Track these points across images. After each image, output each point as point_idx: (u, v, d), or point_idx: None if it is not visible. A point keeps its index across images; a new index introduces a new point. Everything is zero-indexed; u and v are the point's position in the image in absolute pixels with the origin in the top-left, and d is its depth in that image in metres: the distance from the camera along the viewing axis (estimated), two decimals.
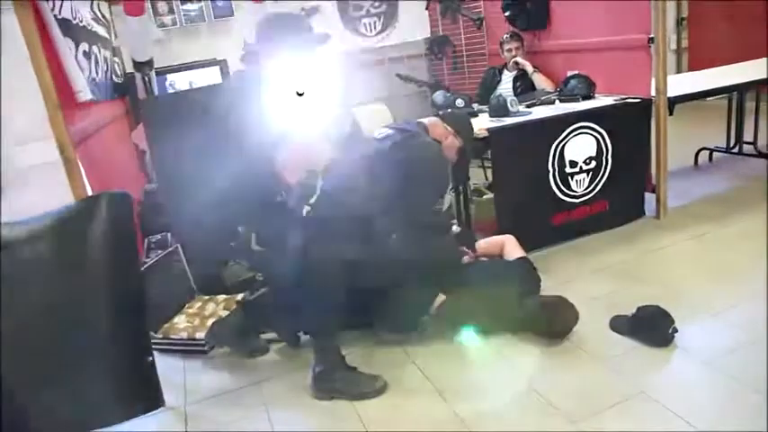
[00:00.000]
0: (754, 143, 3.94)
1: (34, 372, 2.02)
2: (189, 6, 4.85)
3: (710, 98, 3.71)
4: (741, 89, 3.72)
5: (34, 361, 2.02)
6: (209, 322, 2.60)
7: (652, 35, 3.00)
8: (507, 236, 2.68)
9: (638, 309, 2.18)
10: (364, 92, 5.58)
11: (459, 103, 3.36)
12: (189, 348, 2.57)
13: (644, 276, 2.63)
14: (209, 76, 4.58)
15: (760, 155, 3.83)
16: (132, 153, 3.81)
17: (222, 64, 4.70)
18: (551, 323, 2.19)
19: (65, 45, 2.24)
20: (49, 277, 2.07)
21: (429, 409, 1.93)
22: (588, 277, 2.69)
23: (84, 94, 2.29)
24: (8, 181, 4.70)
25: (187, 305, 2.85)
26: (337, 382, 2.04)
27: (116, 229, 2.14)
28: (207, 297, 2.91)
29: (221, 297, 2.89)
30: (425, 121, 2.55)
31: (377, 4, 5.14)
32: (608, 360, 2.06)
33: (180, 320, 2.71)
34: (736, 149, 4.03)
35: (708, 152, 4.22)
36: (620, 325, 2.21)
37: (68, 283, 2.08)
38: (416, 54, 5.65)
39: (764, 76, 3.52)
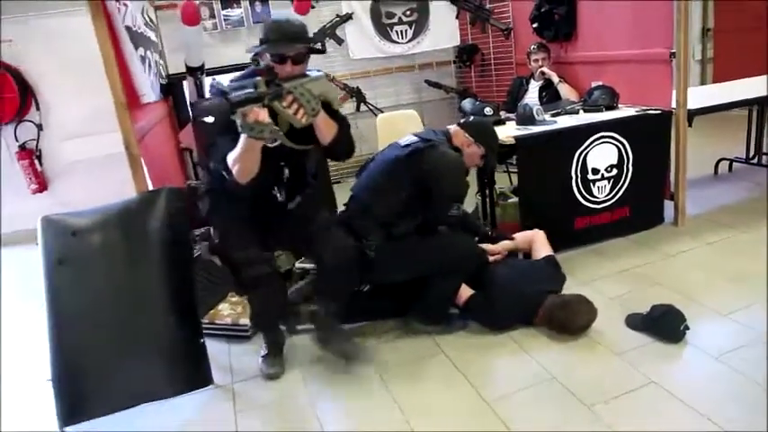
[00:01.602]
0: None
1: (100, 346, 2.24)
2: (229, 12, 5.10)
3: (732, 110, 3.84)
4: (761, 102, 3.82)
5: (99, 336, 2.24)
6: None
7: (674, 50, 3.15)
8: (537, 231, 2.85)
9: (653, 307, 2.34)
10: (395, 97, 5.82)
11: (488, 111, 3.52)
12: (233, 333, 2.79)
13: (660, 279, 2.78)
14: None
15: None
16: (174, 152, 4.06)
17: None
18: (571, 319, 2.35)
19: (132, 50, 2.47)
20: (114, 262, 2.30)
21: (458, 393, 2.12)
22: (607, 279, 2.85)
23: (149, 96, 2.52)
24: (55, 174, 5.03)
25: (230, 294, 3.08)
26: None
27: (173, 220, 2.38)
28: None
29: None
30: (451, 128, 2.71)
31: (408, 12, 5.32)
32: (623, 353, 2.23)
33: (224, 308, 2.93)
34: (755, 160, 4.14)
35: (728, 162, 4.33)
36: (634, 322, 2.37)
37: (131, 268, 2.31)
38: (445, 61, 5.83)
39: None
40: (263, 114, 1.81)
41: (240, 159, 1.95)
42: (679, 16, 3.06)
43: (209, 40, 5.05)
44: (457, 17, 5.34)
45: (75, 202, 4.92)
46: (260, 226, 2.29)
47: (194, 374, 2.35)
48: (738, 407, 1.87)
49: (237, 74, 2.17)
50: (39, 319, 2.12)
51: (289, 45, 1.95)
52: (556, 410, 1.96)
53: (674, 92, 3.22)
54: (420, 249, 2.47)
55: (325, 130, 2.10)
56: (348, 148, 2.27)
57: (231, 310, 2.89)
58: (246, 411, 2.19)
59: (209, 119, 1.90)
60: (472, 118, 3.14)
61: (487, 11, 5.08)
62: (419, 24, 5.39)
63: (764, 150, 4.08)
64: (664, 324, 2.26)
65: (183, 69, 4.48)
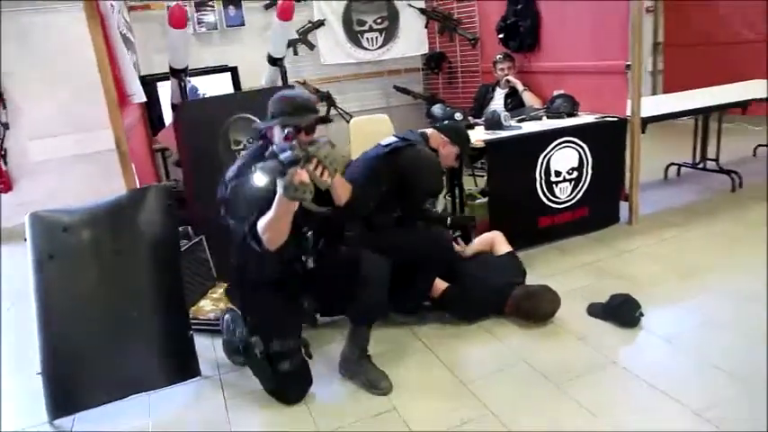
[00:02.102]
0: (716, 160, 4.39)
1: (90, 339, 2.31)
2: (203, 15, 5.17)
3: (680, 119, 4.15)
4: (706, 112, 4.15)
5: (89, 330, 2.31)
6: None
7: (629, 62, 3.42)
8: (496, 232, 3.03)
9: (611, 296, 2.57)
10: (364, 102, 5.98)
11: (458, 116, 3.72)
12: (217, 328, 2.87)
13: (617, 272, 3.02)
14: (222, 82, 4.89)
15: (721, 170, 4.28)
16: (147, 152, 4.12)
17: (234, 71, 5.02)
18: (537, 308, 2.56)
19: (124, 50, 2.54)
20: (105, 257, 2.37)
21: (435, 376, 2.29)
22: (569, 273, 3.07)
23: (139, 96, 2.59)
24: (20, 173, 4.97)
25: (210, 291, 3.16)
26: (361, 369, 2.28)
27: (162, 216, 2.47)
28: (227, 284, 3.22)
29: None
30: (428, 131, 2.91)
31: (379, 20, 5.50)
32: (585, 338, 2.44)
33: (205, 304, 3.02)
34: (701, 165, 4.48)
35: (676, 167, 4.66)
36: (595, 310, 2.59)
37: (121, 263, 2.39)
38: (413, 68, 6.04)
39: (726, 102, 3.98)
40: (305, 176, 1.85)
41: (275, 224, 1.93)
42: (633, 31, 3.33)
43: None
44: (426, 26, 5.56)
45: (41, 203, 4.92)
46: (294, 304, 2.31)
47: (183, 366, 2.44)
48: (689, 383, 2.10)
49: (250, 149, 2.30)
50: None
51: (305, 117, 2.07)
52: (527, 389, 2.15)
53: (629, 101, 3.49)
54: (397, 239, 2.61)
55: (341, 191, 2.19)
56: (363, 207, 2.41)
57: (213, 305, 2.98)
58: (236, 399, 2.28)
59: (260, 180, 1.89)
60: (446, 122, 3.32)
61: (455, 21, 5.30)
62: (389, 32, 5.58)
63: (709, 156, 4.41)
64: (621, 311, 2.49)
65: (157, 71, 4.54)
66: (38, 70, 4.71)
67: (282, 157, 1.83)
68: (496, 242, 2.98)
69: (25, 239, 2.36)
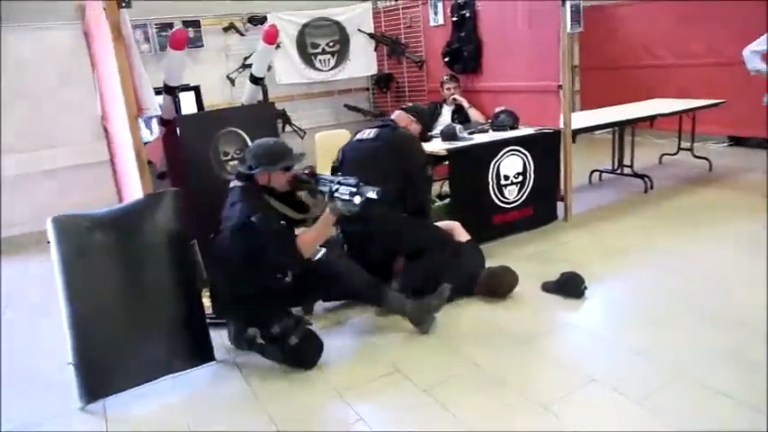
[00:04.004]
0: (631, 166, 5.14)
1: (117, 329, 2.56)
2: (164, 35, 5.40)
3: (599, 132, 4.87)
4: (623, 125, 4.90)
5: (116, 320, 2.57)
6: None
7: (560, 83, 4.05)
8: (455, 222, 3.44)
9: (561, 275, 3.11)
10: (316, 119, 6.38)
11: None
12: (218, 321, 3.14)
13: (560, 258, 3.57)
14: (186, 100, 5.13)
15: (636, 175, 5.02)
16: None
17: (197, 90, 5.30)
18: (500, 284, 3.05)
19: (140, 65, 2.83)
20: (127, 253, 2.63)
21: (428, 343, 2.72)
22: (522, 260, 3.58)
23: (155, 110, 2.87)
24: None
25: (203, 291, 3.42)
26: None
27: (175, 216, 2.76)
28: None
29: None
30: (394, 115, 3.45)
31: (331, 43, 5.95)
32: (542, 308, 2.96)
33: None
34: (619, 171, 5.22)
35: (598, 173, 5.39)
36: (548, 287, 3.12)
37: (141, 258, 2.66)
38: (362, 88, 6.53)
39: (639, 116, 4.73)
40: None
41: (322, 236, 2.58)
42: (564, 57, 3.97)
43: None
44: (375, 49, 6.07)
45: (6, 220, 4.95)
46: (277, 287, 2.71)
47: (200, 350, 2.73)
48: (624, 331, 2.68)
49: (238, 191, 2.67)
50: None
51: (296, 157, 2.67)
52: (498, 345, 2.63)
53: (562, 115, 4.11)
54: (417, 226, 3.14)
55: None
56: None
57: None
58: (254, 375, 2.60)
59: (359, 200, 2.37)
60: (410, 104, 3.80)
61: (403, 45, 5.85)
62: (341, 55, 6.04)
63: (625, 163, 5.16)
64: (570, 286, 3.03)
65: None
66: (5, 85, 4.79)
67: (353, 183, 2.40)
68: (456, 230, 3.38)
69: (48, 242, 2.59)
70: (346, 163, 3.19)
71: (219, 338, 2.90)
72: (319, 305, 3.15)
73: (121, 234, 2.64)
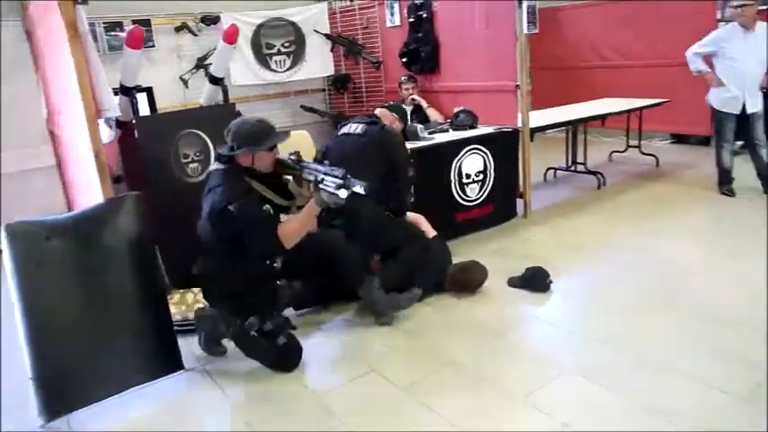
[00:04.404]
0: (584, 164, 5.32)
1: (79, 340, 2.45)
2: (112, 36, 5.21)
3: (550, 131, 5.01)
4: (579, 123, 5.06)
5: (78, 331, 2.45)
6: (197, 307, 3.14)
7: (518, 82, 4.14)
8: (419, 215, 3.45)
9: (526, 269, 3.18)
10: (272, 121, 6.27)
11: None
12: (182, 328, 3.06)
13: (522, 254, 3.66)
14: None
15: (589, 172, 5.20)
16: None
17: (149, 91, 5.12)
18: (470, 278, 3.10)
19: (99, 65, 2.71)
20: (88, 261, 2.52)
21: (384, 338, 2.75)
22: (486, 257, 3.61)
23: (113, 111, 2.75)
24: None
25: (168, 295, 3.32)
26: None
27: (138, 221, 2.66)
28: (182, 290, 3.40)
29: (196, 289, 3.38)
30: (377, 111, 3.45)
31: (287, 44, 5.89)
32: (510, 303, 3.03)
33: None
34: (573, 168, 5.39)
35: (553, 171, 5.55)
36: (514, 281, 3.19)
37: (103, 266, 2.56)
38: (319, 89, 6.49)
39: (592, 115, 4.90)
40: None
41: (304, 226, 2.44)
42: (521, 58, 4.07)
43: None
44: (331, 50, 6.04)
45: None
46: (275, 288, 2.72)
47: (168, 359, 2.64)
48: (588, 320, 2.77)
49: (220, 174, 2.57)
50: None
51: (281, 135, 2.57)
52: (472, 340, 2.68)
53: (520, 114, 4.21)
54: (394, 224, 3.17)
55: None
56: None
57: (176, 308, 3.16)
58: (227, 382, 2.54)
59: (344, 194, 2.28)
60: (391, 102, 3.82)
61: (360, 46, 5.84)
62: (296, 55, 5.98)
63: (578, 161, 5.33)
64: (536, 280, 3.11)
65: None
66: None
67: (340, 175, 2.28)
68: (421, 223, 3.37)
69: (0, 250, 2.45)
70: (331, 155, 3.16)
71: (187, 346, 2.82)
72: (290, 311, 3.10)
73: (81, 241, 2.52)
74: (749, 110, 4.25)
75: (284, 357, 2.53)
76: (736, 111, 4.29)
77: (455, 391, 2.30)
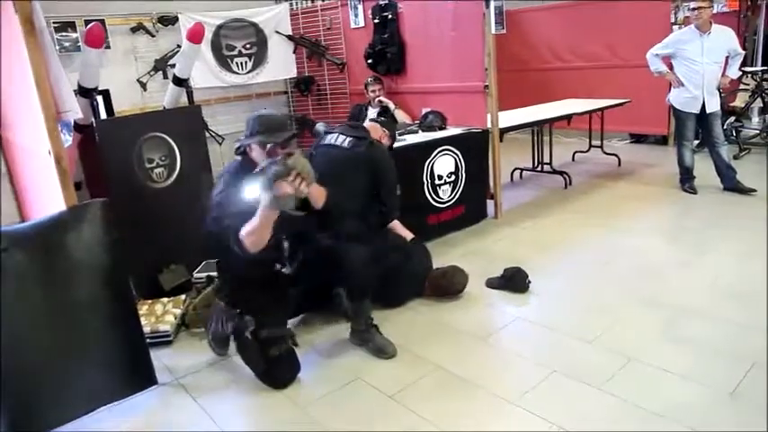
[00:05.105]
0: (550, 164, 5.40)
1: (45, 357, 2.30)
2: (64, 36, 4.96)
3: (513, 131, 5.05)
4: (545, 123, 5.12)
5: (44, 348, 2.30)
6: (167, 318, 3.02)
7: (487, 83, 4.16)
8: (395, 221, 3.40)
9: (505, 270, 3.18)
10: (233, 125, 6.13)
11: None
12: (154, 340, 2.92)
13: (496, 255, 3.66)
14: None
15: (555, 172, 5.28)
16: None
17: (106, 93, 4.90)
18: (452, 283, 3.06)
19: (59, 65, 2.53)
20: (52, 273, 2.36)
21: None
22: (460, 259, 3.61)
23: (75, 113, 2.58)
24: None
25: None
26: (370, 337, 2.62)
27: (105, 230, 2.51)
28: (150, 301, 3.25)
29: (165, 299, 3.24)
30: (366, 125, 3.35)
31: (248, 45, 5.74)
32: (491, 304, 3.01)
33: None
34: (539, 169, 5.46)
35: (519, 171, 5.61)
36: (493, 283, 3.18)
37: (69, 278, 2.40)
38: (281, 91, 6.36)
39: (557, 116, 4.97)
40: (288, 188, 2.12)
41: (258, 230, 2.16)
42: (489, 58, 4.08)
43: None
44: (294, 52, 5.94)
45: None
46: (279, 297, 2.54)
47: (141, 374, 2.50)
48: (574, 319, 2.77)
49: (230, 165, 2.47)
50: None
51: (282, 133, 2.33)
52: (456, 344, 2.64)
53: (489, 115, 4.22)
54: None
55: (317, 195, 2.42)
56: (340, 209, 2.61)
57: (145, 320, 3.01)
58: (205, 396, 2.42)
59: (252, 193, 2.12)
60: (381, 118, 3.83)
61: (323, 47, 5.76)
62: (258, 57, 5.85)
63: (544, 161, 5.40)
64: (516, 280, 3.11)
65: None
66: None
67: (270, 172, 2.08)
68: (397, 228, 3.30)
69: None
70: (316, 168, 3.05)
71: (157, 360, 2.68)
72: None
73: (44, 252, 2.36)
74: (708, 109, 4.40)
75: (273, 370, 2.42)
76: (696, 110, 4.43)
77: (443, 396, 2.26)
